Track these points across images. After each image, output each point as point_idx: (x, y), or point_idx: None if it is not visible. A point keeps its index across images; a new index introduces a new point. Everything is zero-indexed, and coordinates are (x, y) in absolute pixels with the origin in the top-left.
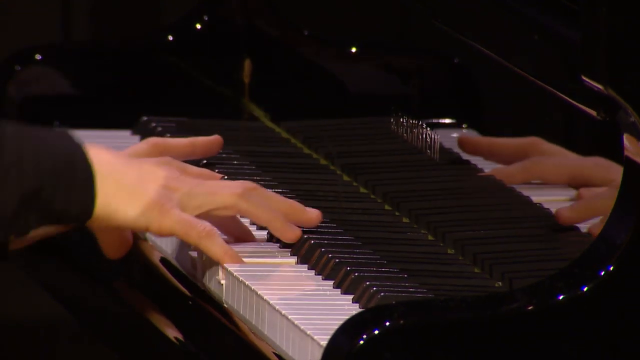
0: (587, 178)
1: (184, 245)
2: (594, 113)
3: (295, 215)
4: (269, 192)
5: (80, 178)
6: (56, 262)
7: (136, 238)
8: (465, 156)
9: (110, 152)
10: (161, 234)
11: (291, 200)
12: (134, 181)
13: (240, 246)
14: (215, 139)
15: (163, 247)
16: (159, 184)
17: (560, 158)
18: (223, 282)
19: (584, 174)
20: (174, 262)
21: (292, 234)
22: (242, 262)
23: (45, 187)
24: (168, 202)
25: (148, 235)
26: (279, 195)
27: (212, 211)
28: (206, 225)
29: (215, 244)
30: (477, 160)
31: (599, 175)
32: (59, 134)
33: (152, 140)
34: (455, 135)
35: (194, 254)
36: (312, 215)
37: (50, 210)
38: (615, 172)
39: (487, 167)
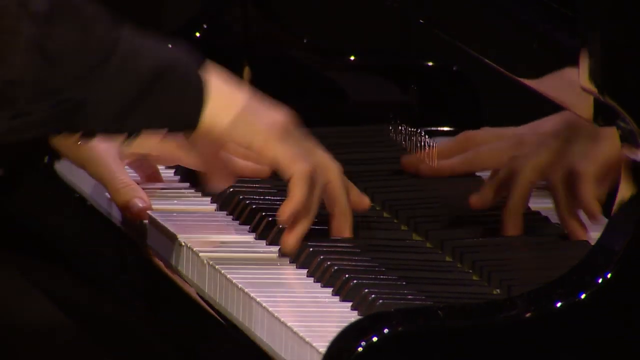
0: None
1: (174, 243)
2: (592, 121)
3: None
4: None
5: (194, 81)
6: (55, 267)
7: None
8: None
9: (229, 76)
10: (262, 157)
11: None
12: (248, 101)
13: (235, 250)
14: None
15: (155, 247)
16: (272, 117)
17: (493, 144)
18: (224, 289)
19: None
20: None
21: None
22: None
23: (159, 83)
24: (280, 132)
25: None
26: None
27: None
28: (307, 165)
29: (301, 189)
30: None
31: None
32: (180, 46)
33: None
34: None
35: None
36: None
37: (162, 109)
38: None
39: (485, 174)
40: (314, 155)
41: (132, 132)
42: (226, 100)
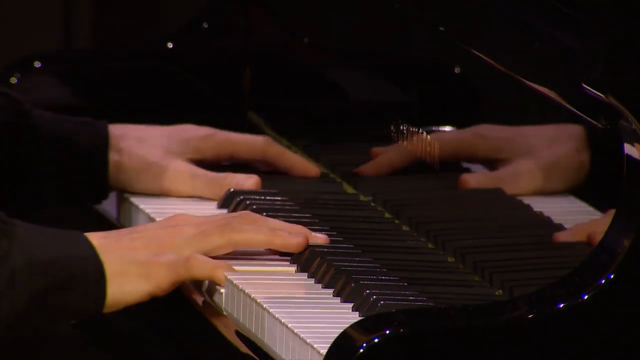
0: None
1: None
2: (594, 121)
3: (290, 238)
4: (258, 216)
5: (92, 275)
6: None
7: None
8: (465, 164)
9: (104, 236)
10: (165, 290)
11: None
12: (131, 256)
13: (240, 254)
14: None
15: None
16: (144, 242)
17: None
18: (223, 290)
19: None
20: None
21: (296, 244)
22: (232, 269)
23: (54, 288)
24: (153, 258)
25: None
26: (267, 220)
27: (208, 253)
28: (184, 257)
29: (201, 268)
30: (477, 168)
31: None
32: (66, 236)
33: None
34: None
35: None
36: (296, 240)
37: (62, 308)
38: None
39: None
40: (206, 235)
41: (33, 331)
42: (120, 274)
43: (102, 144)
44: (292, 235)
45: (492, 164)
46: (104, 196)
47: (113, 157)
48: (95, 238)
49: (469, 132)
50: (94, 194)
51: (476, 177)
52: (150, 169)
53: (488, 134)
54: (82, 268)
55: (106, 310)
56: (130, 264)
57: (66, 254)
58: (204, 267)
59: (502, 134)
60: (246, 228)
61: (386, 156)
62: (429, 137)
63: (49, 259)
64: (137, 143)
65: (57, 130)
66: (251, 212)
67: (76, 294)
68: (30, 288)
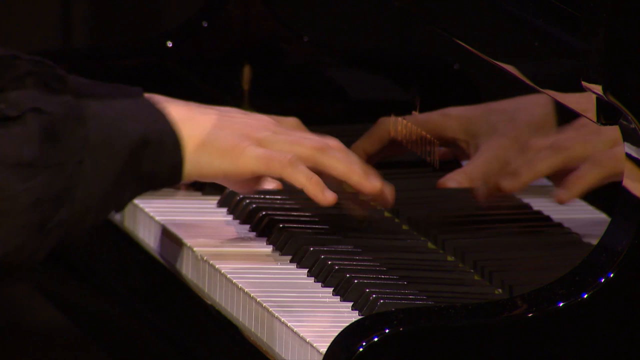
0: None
1: (167, 240)
2: (594, 120)
3: (367, 179)
4: (350, 151)
5: (168, 144)
6: (57, 269)
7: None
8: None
9: (185, 105)
10: (243, 175)
11: (367, 166)
12: (214, 131)
13: (237, 250)
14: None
15: (146, 241)
16: (233, 129)
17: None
18: (223, 290)
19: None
20: (158, 257)
21: (370, 185)
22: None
23: (135, 160)
24: (242, 142)
25: (128, 225)
26: (357, 157)
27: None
28: (284, 155)
29: (298, 171)
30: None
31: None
32: (138, 105)
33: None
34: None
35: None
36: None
37: (144, 180)
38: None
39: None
40: (289, 145)
41: (123, 206)
42: (199, 144)
43: None
44: (369, 177)
45: (465, 148)
46: None
47: None
48: (171, 106)
49: (437, 113)
50: None
51: (453, 177)
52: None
53: (453, 113)
54: (157, 135)
55: (185, 179)
56: (207, 140)
57: (136, 119)
58: (300, 175)
59: (467, 112)
60: (333, 156)
61: (360, 144)
62: (405, 120)
63: (124, 131)
64: None
65: (94, 93)
66: (341, 144)
67: (153, 162)
68: (112, 164)
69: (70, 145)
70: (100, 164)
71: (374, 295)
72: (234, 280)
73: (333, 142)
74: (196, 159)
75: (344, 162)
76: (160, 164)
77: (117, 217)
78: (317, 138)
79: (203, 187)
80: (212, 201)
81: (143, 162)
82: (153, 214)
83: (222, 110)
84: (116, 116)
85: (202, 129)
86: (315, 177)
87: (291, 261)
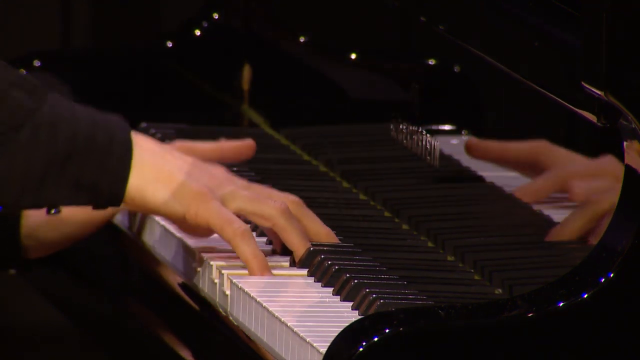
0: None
1: (183, 252)
2: (594, 119)
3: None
4: (312, 214)
5: (117, 152)
6: (61, 272)
7: (141, 251)
8: (465, 162)
9: (158, 143)
10: (197, 223)
11: (329, 229)
12: (177, 170)
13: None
14: (245, 144)
15: (162, 254)
16: (205, 178)
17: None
18: (224, 289)
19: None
20: (171, 267)
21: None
22: (270, 272)
23: (77, 154)
24: (210, 194)
25: (147, 239)
26: (319, 220)
27: (249, 216)
28: (243, 224)
29: (248, 244)
30: (478, 167)
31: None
32: (107, 115)
33: (177, 143)
34: (455, 142)
35: (194, 262)
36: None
37: (81, 181)
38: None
39: (487, 173)
40: (253, 202)
41: (49, 204)
42: (154, 172)
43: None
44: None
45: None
46: None
47: None
48: (139, 136)
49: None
50: None
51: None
52: None
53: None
54: (107, 139)
55: (127, 203)
56: (164, 173)
57: (94, 121)
58: (247, 249)
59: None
60: (290, 223)
61: None
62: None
63: (75, 123)
64: None
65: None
66: (303, 205)
67: (95, 166)
68: (50, 146)
69: (15, 110)
70: (38, 141)
71: (374, 295)
72: (234, 281)
73: (295, 203)
74: (144, 185)
75: (300, 236)
76: (102, 172)
77: (127, 225)
78: (282, 197)
79: None
80: None
81: (85, 164)
82: (167, 225)
83: (199, 163)
84: (76, 109)
85: (164, 165)
86: (261, 256)
87: (291, 262)
